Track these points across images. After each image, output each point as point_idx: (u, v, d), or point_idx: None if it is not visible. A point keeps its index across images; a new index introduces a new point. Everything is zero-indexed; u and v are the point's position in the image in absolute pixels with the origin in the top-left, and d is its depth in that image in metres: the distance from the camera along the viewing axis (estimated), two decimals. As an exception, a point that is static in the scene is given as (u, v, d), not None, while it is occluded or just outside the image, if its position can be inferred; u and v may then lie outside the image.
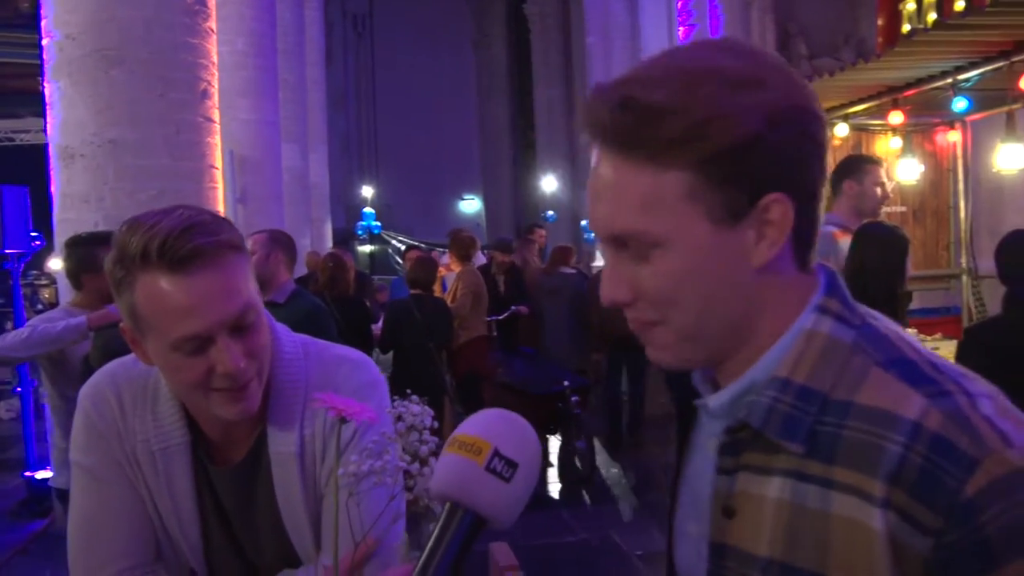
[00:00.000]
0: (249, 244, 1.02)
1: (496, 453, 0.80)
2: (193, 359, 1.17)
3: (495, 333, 7.59)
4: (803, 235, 0.82)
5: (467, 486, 0.79)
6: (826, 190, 0.84)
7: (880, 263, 3.05)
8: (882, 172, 4.05)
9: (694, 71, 0.77)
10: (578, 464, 6.68)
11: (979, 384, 0.77)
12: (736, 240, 0.79)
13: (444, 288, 7.06)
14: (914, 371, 0.77)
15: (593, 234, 0.86)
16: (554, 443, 7.08)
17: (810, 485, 0.77)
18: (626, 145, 0.78)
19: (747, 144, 0.76)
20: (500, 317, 7.65)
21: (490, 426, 0.83)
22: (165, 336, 1.16)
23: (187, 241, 1.14)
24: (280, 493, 1.31)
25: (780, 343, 0.82)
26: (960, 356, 3.01)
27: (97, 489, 1.30)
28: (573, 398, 6.48)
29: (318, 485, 1.31)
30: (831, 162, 6.83)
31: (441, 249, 11.26)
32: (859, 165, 4.09)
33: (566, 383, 6.56)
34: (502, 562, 1.15)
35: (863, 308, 0.85)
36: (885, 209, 6.47)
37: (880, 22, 6.33)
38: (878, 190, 3.94)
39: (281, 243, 4.06)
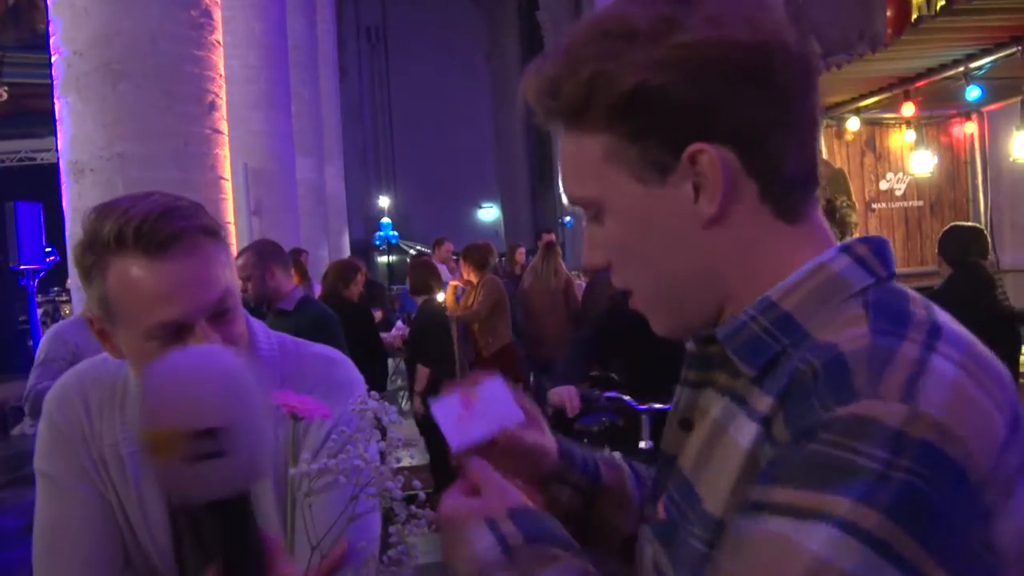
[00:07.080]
0: (239, 266, 1.00)
1: (192, 434, 0.66)
2: (168, 348, 1.11)
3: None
4: (771, 182, 0.74)
5: (184, 490, 0.66)
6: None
7: None
8: None
9: (584, 32, 0.77)
10: None
11: (971, 355, 0.64)
12: (672, 197, 0.75)
13: (458, 300, 6.96)
14: (893, 315, 0.67)
15: None
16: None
17: (739, 407, 0.72)
18: (551, 119, 0.80)
19: (640, 95, 0.72)
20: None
21: (167, 404, 0.68)
22: (139, 324, 1.11)
23: (165, 225, 1.10)
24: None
25: (791, 276, 0.73)
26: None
27: (61, 498, 1.25)
28: None
29: (289, 486, 1.27)
30: (844, 157, 6.63)
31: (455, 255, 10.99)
32: None
33: None
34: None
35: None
36: (902, 204, 6.37)
37: (889, 13, 6.24)
38: None
39: (270, 255, 3.91)
